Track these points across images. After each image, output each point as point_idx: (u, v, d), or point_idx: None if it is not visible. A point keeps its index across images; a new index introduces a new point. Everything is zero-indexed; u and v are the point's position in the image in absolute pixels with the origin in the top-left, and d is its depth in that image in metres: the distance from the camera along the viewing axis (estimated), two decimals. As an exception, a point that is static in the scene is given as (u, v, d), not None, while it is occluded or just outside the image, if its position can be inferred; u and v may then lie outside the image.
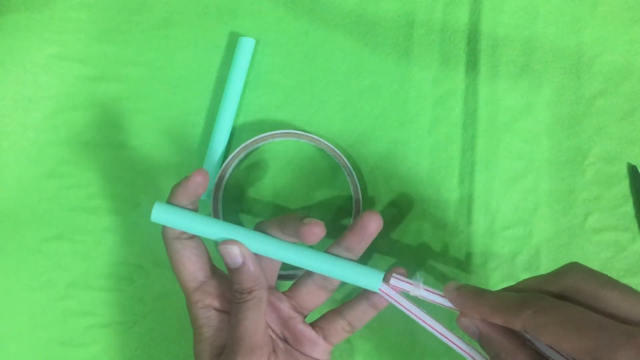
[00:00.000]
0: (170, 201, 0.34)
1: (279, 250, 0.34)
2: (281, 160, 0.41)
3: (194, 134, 0.42)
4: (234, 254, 0.33)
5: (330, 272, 0.34)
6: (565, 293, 0.29)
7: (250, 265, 0.34)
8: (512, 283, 0.32)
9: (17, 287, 0.42)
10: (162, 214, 0.33)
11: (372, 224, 0.34)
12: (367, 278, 0.33)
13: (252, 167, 0.41)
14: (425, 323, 0.33)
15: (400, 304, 0.33)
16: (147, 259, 0.41)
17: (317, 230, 0.32)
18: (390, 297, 0.33)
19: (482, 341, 0.31)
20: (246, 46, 0.41)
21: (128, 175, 0.42)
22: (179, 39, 0.42)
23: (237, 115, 0.41)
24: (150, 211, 0.33)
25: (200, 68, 0.42)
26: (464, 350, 0.32)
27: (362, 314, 0.36)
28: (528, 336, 0.30)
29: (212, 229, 0.34)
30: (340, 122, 0.41)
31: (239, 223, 0.41)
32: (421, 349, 0.40)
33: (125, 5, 0.42)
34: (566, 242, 0.40)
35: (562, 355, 0.30)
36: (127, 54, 0.42)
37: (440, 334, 0.33)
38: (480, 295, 0.31)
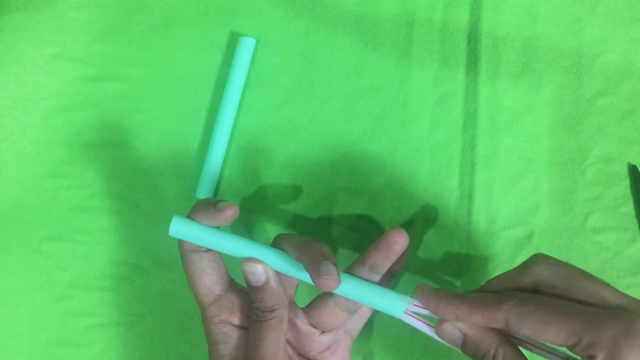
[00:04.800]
0: (190, 217, 0.33)
1: (301, 271, 0.33)
2: (280, 162, 0.41)
3: (194, 134, 0.42)
4: (257, 272, 0.32)
5: (353, 295, 0.33)
6: (538, 287, 0.29)
7: (273, 283, 0.33)
8: (512, 283, 0.32)
9: (17, 287, 0.42)
10: (181, 228, 0.33)
11: (399, 242, 0.33)
12: (391, 304, 0.33)
13: (253, 170, 0.41)
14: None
15: (424, 329, 0.33)
16: (146, 259, 0.41)
17: (332, 284, 0.31)
18: (414, 322, 0.33)
19: (467, 344, 0.31)
20: (246, 46, 0.41)
21: (128, 175, 0.42)
22: (179, 39, 0.42)
23: (237, 115, 0.41)
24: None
25: (200, 68, 0.42)
26: None
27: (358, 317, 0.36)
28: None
29: (234, 246, 0.33)
30: (340, 122, 0.41)
31: (242, 227, 0.41)
32: (421, 349, 0.40)
33: (125, 5, 0.42)
34: (566, 242, 0.40)
35: (543, 350, 0.31)
36: (127, 54, 0.42)
37: None
38: (457, 295, 0.31)
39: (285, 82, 0.41)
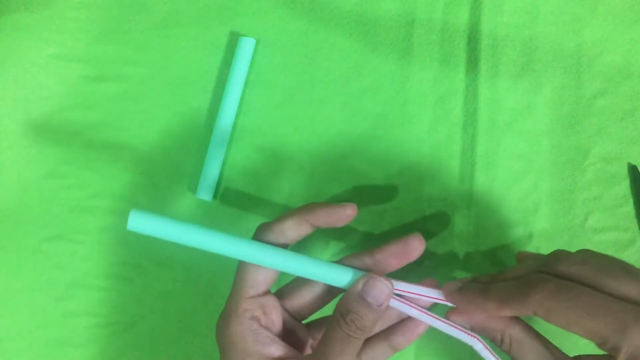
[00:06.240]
0: (297, 216, 0.32)
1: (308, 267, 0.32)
2: (278, 158, 0.41)
3: (194, 134, 0.42)
4: (385, 293, 0.31)
5: (334, 280, 0.32)
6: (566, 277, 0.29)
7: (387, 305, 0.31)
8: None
9: (17, 287, 0.42)
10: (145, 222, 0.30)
11: (418, 251, 0.33)
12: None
13: (254, 170, 0.41)
14: (438, 320, 0.32)
15: (413, 313, 0.32)
16: (146, 259, 0.41)
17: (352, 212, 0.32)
18: (402, 307, 0.32)
19: (475, 331, 0.32)
20: (246, 46, 0.41)
21: (128, 175, 0.42)
22: (179, 39, 0.42)
23: (237, 115, 0.41)
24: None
25: (200, 68, 0.42)
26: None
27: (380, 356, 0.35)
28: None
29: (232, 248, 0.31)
30: (340, 122, 0.41)
31: (241, 227, 0.41)
32: (421, 349, 0.40)
33: (125, 5, 0.42)
34: (566, 242, 0.40)
35: None
36: (127, 54, 0.42)
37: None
38: (483, 292, 0.31)
39: (285, 82, 0.41)
